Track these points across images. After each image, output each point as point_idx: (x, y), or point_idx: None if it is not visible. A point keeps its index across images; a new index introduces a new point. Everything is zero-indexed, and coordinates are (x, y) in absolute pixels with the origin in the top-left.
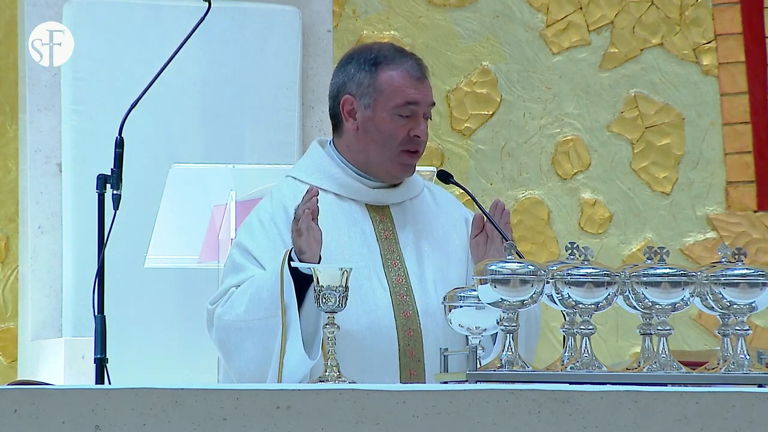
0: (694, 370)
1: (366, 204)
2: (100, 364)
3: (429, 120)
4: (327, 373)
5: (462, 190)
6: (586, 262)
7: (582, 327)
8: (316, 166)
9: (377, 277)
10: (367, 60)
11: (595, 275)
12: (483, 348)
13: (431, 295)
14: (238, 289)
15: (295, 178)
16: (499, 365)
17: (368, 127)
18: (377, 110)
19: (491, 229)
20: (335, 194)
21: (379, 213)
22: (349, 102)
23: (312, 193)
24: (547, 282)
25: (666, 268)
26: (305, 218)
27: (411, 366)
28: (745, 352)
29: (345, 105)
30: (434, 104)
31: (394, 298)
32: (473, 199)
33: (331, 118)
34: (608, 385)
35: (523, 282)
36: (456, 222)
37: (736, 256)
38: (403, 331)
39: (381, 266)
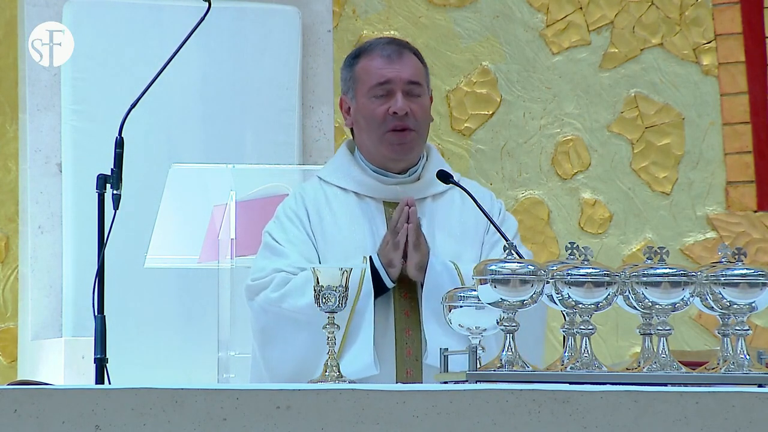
0: (694, 370)
1: (384, 201)
2: (100, 364)
3: (418, 98)
4: (327, 373)
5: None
6: (586, 262)
7: (582, 327)
8: (337, 166)
9: None
10: (350, 57)
11: (595, 275)
12: (483, 348)
13: None
14: (296, 277)
15: (321, 179)
16: (499, 365)
17: (357, 118)
18: (358, 98)
19: (409, 233)
20: (355, 193)
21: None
22: (343, 102)
23: (409, 203)
24: (547, 282)
25: (666, 268)
26: (412, 233)
27: (408, 365)
28: (745, 352)
29: (342, 106)
30: (416, 82)
31: (395, 295)
32: (473, 199)
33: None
34: (608, 385)
35: (523, 282)
36: (483, 217)
37: (736, 256)
38: (401, 330)
39: None
